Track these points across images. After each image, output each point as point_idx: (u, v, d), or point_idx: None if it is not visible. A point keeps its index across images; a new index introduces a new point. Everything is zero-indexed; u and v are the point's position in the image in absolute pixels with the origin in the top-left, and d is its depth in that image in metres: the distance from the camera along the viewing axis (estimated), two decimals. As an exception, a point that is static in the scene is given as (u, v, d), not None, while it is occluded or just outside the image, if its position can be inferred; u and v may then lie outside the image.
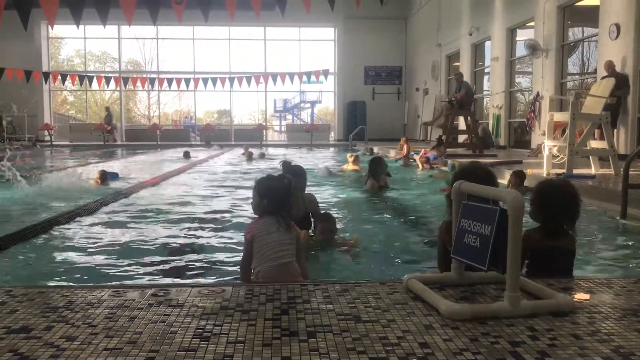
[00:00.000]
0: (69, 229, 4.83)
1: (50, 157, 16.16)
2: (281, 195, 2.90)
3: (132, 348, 1.67)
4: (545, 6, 12.84)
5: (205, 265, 3.72)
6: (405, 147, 12.54)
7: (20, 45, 22.74)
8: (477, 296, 2.20)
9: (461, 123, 15.26)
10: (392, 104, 25.47)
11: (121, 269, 3.60)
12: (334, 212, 4.96)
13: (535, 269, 2.58)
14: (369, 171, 7.32)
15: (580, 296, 2.19)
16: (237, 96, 27.46)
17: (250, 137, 23.70)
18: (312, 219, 4.23)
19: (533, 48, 13.16)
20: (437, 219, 4.81)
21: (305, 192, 4.34)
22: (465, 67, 17.84)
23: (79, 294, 2.20)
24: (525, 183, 6.60)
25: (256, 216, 2.94)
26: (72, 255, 3.95)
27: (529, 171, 7.44)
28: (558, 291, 2.14)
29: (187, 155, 14.88)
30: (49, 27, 22.32)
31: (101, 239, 4.48)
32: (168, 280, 3.37)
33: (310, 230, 4.14)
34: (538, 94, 13.30)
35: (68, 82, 25.23)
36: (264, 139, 25.03)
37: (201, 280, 3.41)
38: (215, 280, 3.37)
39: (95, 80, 21.85)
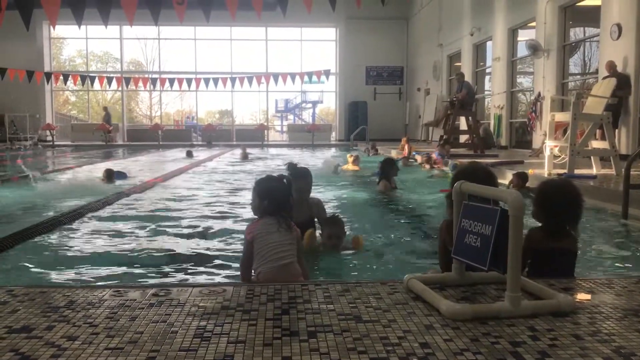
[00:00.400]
0: (71, 228, 4.84)
1: (53, 157, 16.19)
2: (281, 196, 2.89)
3: (133, 348, 1.67)
4: (547, 6, 12.82)
5: (206, 265, 3.72)
6: (406, 147, 12.55)
7: (22, 46, 22.80)
8: (477, 296, 2.20)
9: (462, 123, 15.25)
10: (393, 104, 25.46)
11: (122, 268, 3.60)
12: (340, 213, 4.83)
13: (536, 269, 2.57)
14: (380, 172, 7.33)
15: (581, 296, 2.19)
16: (238, 96, 27.51)
17: (251, 137, 23.72)
18: (319, 224, 4.02)
19: (534, 48, 13.15)
20: (438, 219, 4.81)
21: (311, 195, 4.13)
22: (466, 67, 17.82)
23: (80, 294, 2.21)
24: (527, 184, 6.59)
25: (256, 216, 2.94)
26: (74, 255, 3.95)
27: (530, 171, 7.44)
28: (559, 291, 2.14)
29: (189, 154, 14.91)
30: (51, 28, 22.37)
31: (102, 238, 4.48)
32: (169, 280, 3.38)
33: (317, 234, 3.94)
34: (539, 94, 13.28)
35: (70, 83, 25.28)
36: (266, 139, 25.04)
37: (202, 280, 3.41)
38: (216, 280, 3.37)
39: (97, 80, 21.89)
